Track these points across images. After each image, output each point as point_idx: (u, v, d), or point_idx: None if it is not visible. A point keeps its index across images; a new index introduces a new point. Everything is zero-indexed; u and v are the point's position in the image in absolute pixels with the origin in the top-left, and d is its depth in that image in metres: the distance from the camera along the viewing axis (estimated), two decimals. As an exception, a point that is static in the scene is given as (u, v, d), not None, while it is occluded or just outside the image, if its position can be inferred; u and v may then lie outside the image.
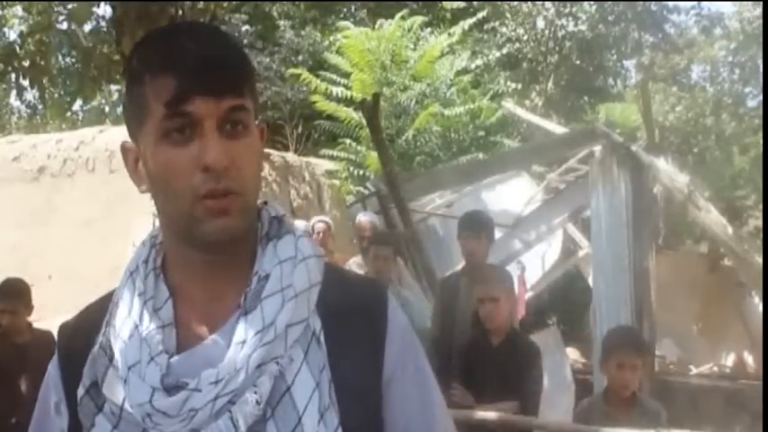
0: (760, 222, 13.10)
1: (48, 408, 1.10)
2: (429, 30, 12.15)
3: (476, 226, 4.45)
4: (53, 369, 1.11)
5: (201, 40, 0.99)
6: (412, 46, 11.31)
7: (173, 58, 0.97)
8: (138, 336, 0.99)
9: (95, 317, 1.08)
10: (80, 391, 1.03)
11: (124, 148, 1.06)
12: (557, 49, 15.80)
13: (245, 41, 12.59)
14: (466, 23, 12.00)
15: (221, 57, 0.98)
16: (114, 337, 1.02)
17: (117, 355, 1.00)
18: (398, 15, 11.37)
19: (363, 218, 6.19)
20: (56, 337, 1.14)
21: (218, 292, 1.03)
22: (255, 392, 0.95)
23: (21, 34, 6.37)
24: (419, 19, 11.53)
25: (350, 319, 1.04)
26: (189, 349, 1.00)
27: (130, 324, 1.01)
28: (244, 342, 0.96)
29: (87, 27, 6.19)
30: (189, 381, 0.95)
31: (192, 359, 0.98)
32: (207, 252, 1.02)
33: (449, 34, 11.58)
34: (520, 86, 13.80)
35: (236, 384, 0.95)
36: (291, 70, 11.58)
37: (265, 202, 1.08)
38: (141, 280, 1.04)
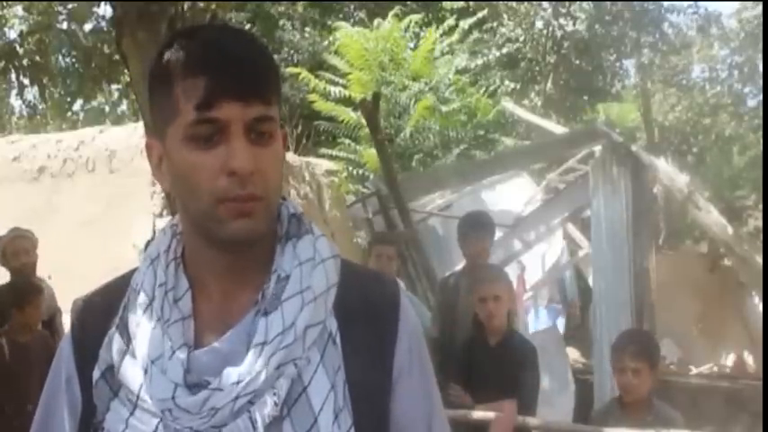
0: (760, 222, 13.10)
1: (59, 382, 1.11)
2: (428, 29, 12.13)
3: (477, 226, 4.45)
4: (66, 345, 1.12)
5: (234, 45, 0.99)
6: (411, 45, 11.28)
7: (205, 60, 0.98)
8: (159, 328, 1.00)
9: (112, 298, 1.09)
10: (95, 374, 1.04)
11: (149, 146, 1.06)
12: (555, 49, 15.80)
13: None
14: (465, 23, 11.99)
15: (253, 63, 0.99)
16: (134, 324, 1.03)
17: (136, 344, 1.01)
18: (392, 13, 11.29)
19: None
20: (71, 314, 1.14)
21: (235, 287, 1.05)
22: (275, 394, 0.97)
23: (21, 34, 6.36)
24: (415, 17, 11.49)
25: (364, 319, 1.06)
26: (206, 343, 1.01)
27: (151, 315, 1.02)
28: (264, 343, 0.97)
29: (87, 27, 6.19)
30: (210, 379, 0.97)
31: (211, 355, 0.99)
32: (226, 251, 1.03)
33: (444, 32, 11.55)
34: (518, 86, 13.79)
35: (257, 385, 0.96)
36: (290, 69, 11.57)
37: (284, 198, 1.09)
38: (162, 269, 1.05)
